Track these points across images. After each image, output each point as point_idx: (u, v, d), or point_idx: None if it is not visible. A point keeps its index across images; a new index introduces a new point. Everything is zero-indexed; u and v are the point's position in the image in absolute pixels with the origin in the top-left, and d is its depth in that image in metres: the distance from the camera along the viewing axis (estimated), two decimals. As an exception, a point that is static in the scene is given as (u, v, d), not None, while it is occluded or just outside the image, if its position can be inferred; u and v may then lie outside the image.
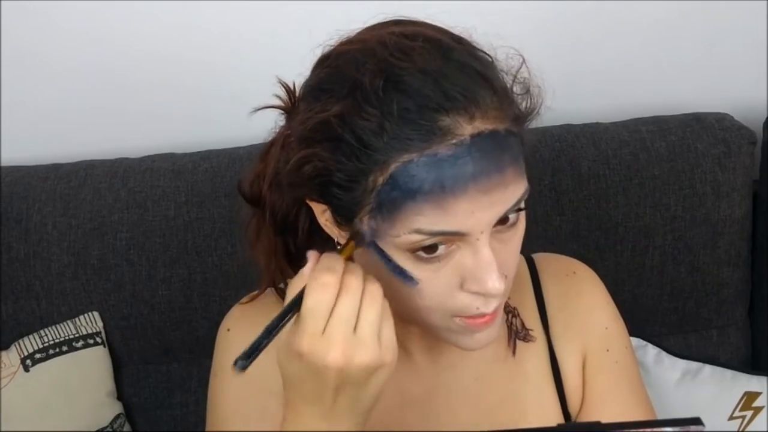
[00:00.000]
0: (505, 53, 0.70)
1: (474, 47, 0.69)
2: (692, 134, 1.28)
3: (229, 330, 0.84)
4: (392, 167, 0.63)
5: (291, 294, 0.65)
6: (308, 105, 0.68)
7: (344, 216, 0.68)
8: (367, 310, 0.63)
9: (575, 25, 1.38)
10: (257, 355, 0.62)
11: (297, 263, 0.78)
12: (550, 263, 0.88)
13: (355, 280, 0.63)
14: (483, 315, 0.69)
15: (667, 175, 1.26)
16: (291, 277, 0.78)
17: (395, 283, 0.68)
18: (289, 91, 0.73)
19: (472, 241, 0.65)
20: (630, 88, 1.42)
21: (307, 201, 0.71)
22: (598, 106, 1.39)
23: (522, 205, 0.68)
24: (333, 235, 0.72)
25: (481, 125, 0.64)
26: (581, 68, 1.39)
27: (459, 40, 0.68)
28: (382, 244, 0.66)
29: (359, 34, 0.70)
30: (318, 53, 0.71)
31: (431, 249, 0.65)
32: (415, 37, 0.66)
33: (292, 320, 0.65)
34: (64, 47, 1.35)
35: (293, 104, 0.73)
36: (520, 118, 0.68)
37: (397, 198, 0.64)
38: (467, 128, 0.63)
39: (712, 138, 1.28)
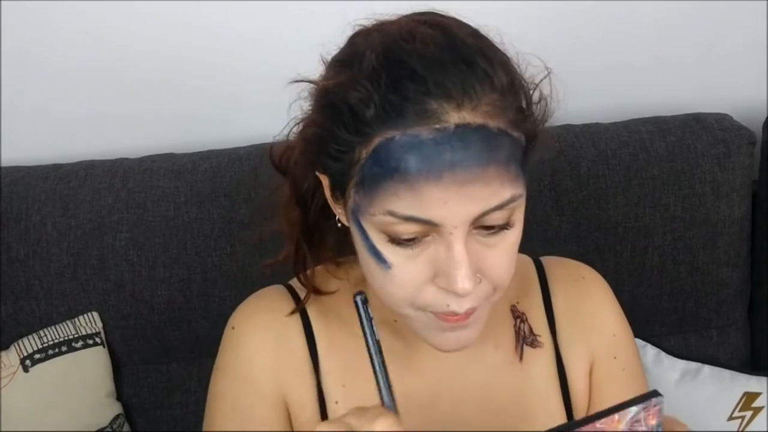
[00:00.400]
0: (529, 62, 0.70)
1: (490, 46, 0.68)
2: (692, 134, 1.28)
3: (233, 328, 0.84)
4: (375, 141, 0.64)
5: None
6: (323, 75, 0.71)
7: (339, 189, 0.70)
8: None
9: (575, 25, 1.38)
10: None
11: (309, 238, 0.80)
12: (559, 267, 0.87)
13: None
14: (454, 314, 0.68)
15: (667, 175, 1.26)
16: (305, 254, 0.79)
17: (369, 264, 0.69)
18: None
19: (446, 234, 0.65)
20: (630, 88, 1.42)
21: (318, 174, 0.73)
22: (598, 106, 1.39)
23: (514, 215, 0.67)
24: (335, 211, 0.73)
25: (469, 117, 0.64)
26: (581, 68, 1.39)
27: (477, 36, 0.68)
28: (363, 222, 0.67)
29: (387, 20, 0.71)
30: (348, 32, 0.72)
31: (408, 238, 0.66)
32: (431, 25, 0.67)
33: None
34: (64, 47, 1.35)
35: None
36: (522, 122, 0.67)
37: (376, 174, 0.64)
38: (453, 116, 0.63)
39: (712, 138, 1.28)
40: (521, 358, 0.83)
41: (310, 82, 0.73)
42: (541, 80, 0.70)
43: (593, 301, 0.86)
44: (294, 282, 0.85)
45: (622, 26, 1.39)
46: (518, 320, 0.83)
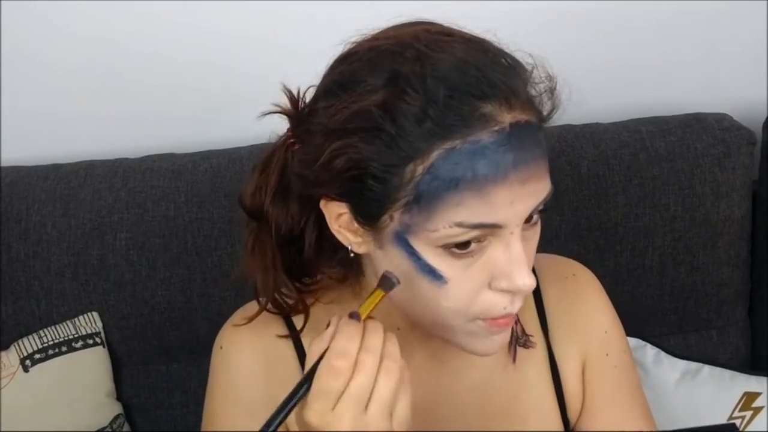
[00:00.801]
0: (519, 57, 0.70)
1: (501, 48, 0.69)
2: (692, 134, 1.28)
3: (221, 348, 0.83)
4: (434, 155, 0.63)
5: (310, 359, 0.65)
6: (335, 99, 0.66)
7: (369, 214, 0.67)
8: (382, 387, 0.63)
9: (575, 26, 1.38)
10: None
11: (299, 277, 0.78)
12: (549, 265, 0.87)
13: (370, 359, 0.63)
14: (507, 315, 0.69)
15: (667, 175, 1.26)
16: (292, 292, 0.77)
17: (420, 284, 0.67)
18: (293, 98, 0.73)
19: (506, 234, 0.65)
20: (630, 88, 1.42)
21: (322, 204, 0.69)
22: (598, 106, 1.39)
23: (544, 205, 0.68)
24: (346, 242, 0.70)
25: (519, 114, 0.64)
26: (581, 68, 1.39)
27: (486, 40, 0.69)
28: (413, 241, 0.66)
29: (384, 32, 0.70)
30: (339, 50, 0.70)
31: (465, 244, 0.65)
32: (448, 34, 0.67)
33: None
34: (64, 47, 1.36)
35: (298, 109, 0.72)
36: (543, 118, 0.69)
37: (438, 187, 0.63)
38: (507, 116, 0.64)
39: (712, 138, 1.28)
40: (514, 359, 0.83)
41: (283, 113, 0.72)
42: (531, 72, 0.69)
43: (584, 299, 0.86)
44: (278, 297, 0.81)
45: (622, 26, 1.39)
46: None
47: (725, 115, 1.33)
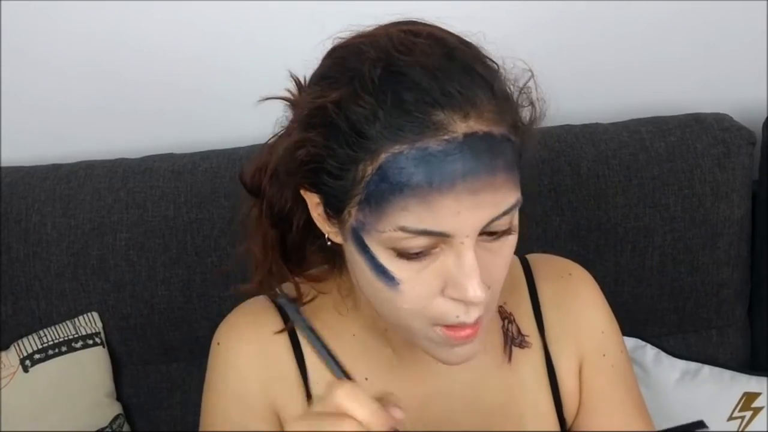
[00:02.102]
0: (513, 64, 0.70)
1: (480, 52, 0.68)
2: (692, 135, 1.28)
3: (219, 344, 0.83)
4: (382, 157, 0.63)
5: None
6: (311, 92, 0.68)
7: (334, 208, 0.68)
8: None
9: (575, 25, 1.38)
10: None
11: (290, 258, 0.78)
12: (545, 265, 0.87)
13: None
14: (463, 325, 0.68)
15: (667, 175, 1.26)
16: (285, 275, 0.78)
17: (376, 283, 0.68)
18: (299, 85, 0.74)
19: (456, 244, 0.64)
20: (630, 88, 1.42)
21: (302, 192, 0.71)
22: (598, 106, 1.39)
23: (514, 219, 0.67)
24: (323, 230, 0.71)
25: (475, 125, 0.63)
26: (581, 68, 1.39)
27: (466, 44, 0.68)
28: (367, 240, 0.66)
29: (371, 29, 0.70)
30: (327, 45, 0.71)
31: (416, 251, 0.65)
32: (421, 34, 0.67)
33: None
34: (64, 47, 1.36)
35: (300, 97, 0.73)
36: (519, 127, 0.68)
37: (384, 190, 0.63)
38: (461, 126, 0.63)
39: (712, 138, 1.28)
40: (510, 359, 0.83)
41: (284, 99, 0.73)
42: (525, 83, 0.70)
43: (580, 299, 0.86)
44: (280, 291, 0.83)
45: (622, 26, 1.39)
46: (506, 321, 0.83)
47: (725, 115, 1.33)
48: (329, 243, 0.72)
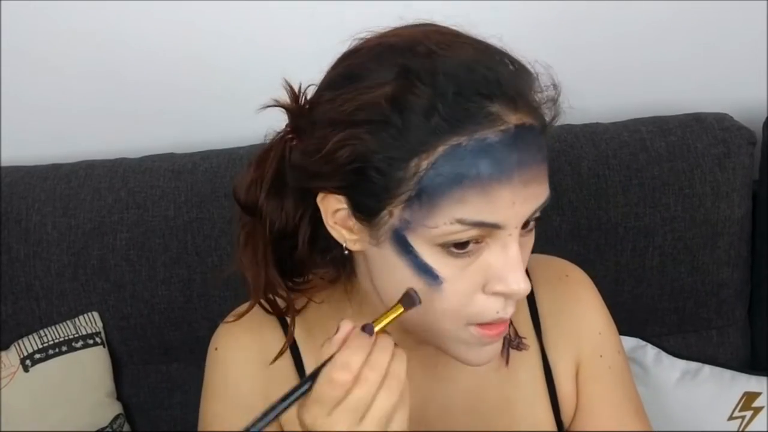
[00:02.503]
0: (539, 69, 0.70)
1: (508, 53, 0.69)
2: (692, 134, 1.28)
3: (216, 349, 0.83)
4: (439, 150, 0.63)
5: (319, 360, 0.64)
6: (342, 90, 0.67)
7: (367, 209, 0.66)
8: (380, 403, 0.62)
9: (575, 25, 1.38)
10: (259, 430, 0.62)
11: (291, 275, 0.77)
12: (542, 266, 0.86)
13: (373, 375, 0.62)
14: (500, 321, 0.68)
15: (667, 175, 1.26)
16: (282, 290, 0.77)
17: (414, 284, 0.67)
18: (294, 93, 0.72)
19: (504, 236, 0.65)
20: (630, 88, 1.42)
21: (319, 198, 0.69)
22: (598, 106, 1.39)
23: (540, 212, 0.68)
24: (340, 239, 0.70)
25: (524, 117, 0.65)
26: (581, 68, 1.39)
27: (493, 45, 0.69)
28: (411, 238, 0.65)
29: (393, 30, 0.70)
30: (345, 46, 0.70)
31: (463, 244, 0.65)
32: (454, 35, 0.67)
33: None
34: (64, 47, 1.36)
35: (299, 105, 0.72)
36: (545, 124, 0.69)
37: (442, 183, 0.63)
38: (512, 117, 0.64)
39: (712, 138, 1.28)
40: (507, 361, 0.82)
41: (283, 106, 0.72)
42: (556, 86, 0.70)
43: (578, 300, 0.85)
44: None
45: (622, 26, 1.39)
46: None
47: (725, 115, 1.33)
48: (346, 252, 0.71)
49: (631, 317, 1.28)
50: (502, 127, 0.63)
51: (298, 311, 0.79)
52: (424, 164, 0.63)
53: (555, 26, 1.37)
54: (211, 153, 1.31)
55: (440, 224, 0.64)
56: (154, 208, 1.26)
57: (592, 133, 1.30)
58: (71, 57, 1.36)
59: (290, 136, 0.72)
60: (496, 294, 0.67)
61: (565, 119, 1.41)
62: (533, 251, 0.88)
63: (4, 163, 1.36)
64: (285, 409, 0.63)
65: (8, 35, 1.34)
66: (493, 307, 0.68)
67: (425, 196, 0.64)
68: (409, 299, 0.67)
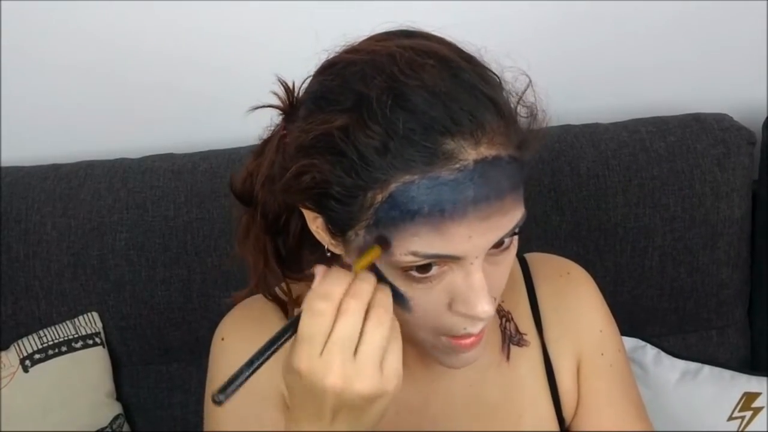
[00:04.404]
0: (512, 75, 0.69)
1: (483, 67, 0.68)
2: (692, 135, 1.28)
3: (223, 339, 0.83)
4: (392, 186, 0.62)
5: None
6: (310, 113, 0.67)
7: (338, 228, 0.67)
8: (371, 334, 0.62)
9: (575, 26, 1.38)
10: (236, 388, 0.61)
11: (287, 264, 0.78)
12: (544, 264, 0.87)
13: (354, 304, 0.62)
14: (469, 335, 0.69)
15: (667, 175, 1.26)
16: (280, 279, 0.78)
17: None
18: (288, 91, 0.73)
19: (466, 264, 0.65)
20: (630, 88, 1.42)
21: (300, 207, 0.70)
22: (598, 107, 1.39)
23: (516, 230, 0.68)
24: (323, 242, 0.71)
25: (485, 151, 0.63)
26: (581, 68, 1.39)
27: (469, 60, 0.67)
28: (376, 261, 0.66)
29: (367, 43, 0.69)
30: (323, 58, 0.70)
31: (424, 269, 0.65)
32: (426, 54, 0.65)
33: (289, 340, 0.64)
34: (64, 47, 1.36)
35: (292, 104, 0.72)
36: (524, 142, 0.67)
37: (395, 217, 0.63)
38: (471, 153, 0.62)
39: (712, 138, 1.28)
40: (508, 357, 0.83)
41: (274, 106, 0.72)
42: (524, 91, 0.69)
43: (579, 298, 0.86)
44: (278, 291, 0.83)
45: (622, 27, 1.39)
46: (504, 319, 0.84)
47: (725, 115, 1.33)
48: (329, 254, 0.71)
49: (631, 317, 1.28)
50: (457, 165, 0.62)
51: (297, 301, 0.79)
52: (379, 197, 0.63)
53: (555, 27, 1.37)
54: (211, 153, 1.31)
55: (396, 254, 0.64)
56: (153, 208, 1.26)
57: (592, 133, 1.30)
58: (71, 57, 1.36)
59: (284, 132, 0.72)
60: (462, 314, 0.67)
61: (565, 119, 1.42)
62: (533, 250, 0.89)
63: (4, 163, 1.36)
64: (269, 355, 0.62)
65: (8, 35, 1.34)
66: (460, 324, 0.68)
67: (382, 227, 0.64)
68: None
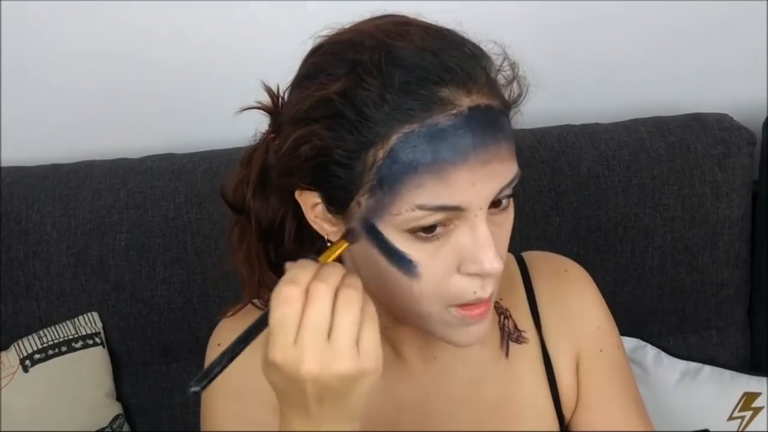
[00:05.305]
0: (487, 48, 0.71)
1: (463, 36, 0.70)
2: (692, 135, 1.28)
3: (219, 345, 0.83)
4: (393, 139, 0.64)
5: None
6: (303, 89, 0.69)
7: (339, 202, 0.68)
8: (342, 316, 0.61)
9: (575, 26, 1.38)
10: (212, 379, 0.61)
11: (281, 272, 0.78)
12: (542, 262, 0.87)
13: (322, 287, 0.61)
14: (479, 301, 0.69)
15: (667, 175, 1.26)
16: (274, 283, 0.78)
17: (391, 272, 0.68)
18: (272, 94, 0.74)
19: (470, 217, 0.66)
20: (630, 88, 1.42)
21: (297, 194, 0.71)
22: (598, 107, 1.39)
23: (512, 189, 0.68)
24: (322, 232, 0.71)
25: (477, 99, 0.65)
26: (581, 68, 1.39)
27: (450, 30, 0.70)
28: (380, 226, 0.66)
29: (353, 25, 0.71)
30: (309, 45, 0.72)
31: (430, 228, 0.66)
32: (410, 23, 0.68)
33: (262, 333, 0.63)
34: (64, 48, 1.36)
35: (277, 106, 0.74)
36: (508, 104, 0.70)
37: (398, 171, 0.64)
38: (465, 100, 0.65)
39: (712, 138, 1.28)
40: (507, 354, 0.83)
41: (262, 108, 0.74)
42: (501, 64, 0.71)
43: (576, 295, 0.86)
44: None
45: (621, 26, 1.39)
46: (502, 317, 0.84)
47: (725, 115, 1.33)
48: (329, 244, 0.71)
49: (631, 317, 1.28)
50: (454, 111, 0.64)
51: None
52: (381, 154, 0.64)
53: (555, 27, 1.37)
54: (211, 153, 1.31)
55: (402, 211, 0.65)
56: (153, 209, 1.26)
57: (592, 133, 1.30)
58: (71, 57, 1.36)
59: (272, 135, 0.74)
60: (471, 275, 0.67)
61: (565, 119, 1.42)
62: (533, 250, 0.89)
63: (4, 163, 1.36)
64: (241, 347, 0.62)
65: (8, 35, 1.34)
66: (470, 288, 0.68)
67: (385, 185, 0.65)
68: (351, 234, 0.67)
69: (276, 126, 0.73)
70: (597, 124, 1.33)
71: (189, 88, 1.38)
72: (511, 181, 0.67)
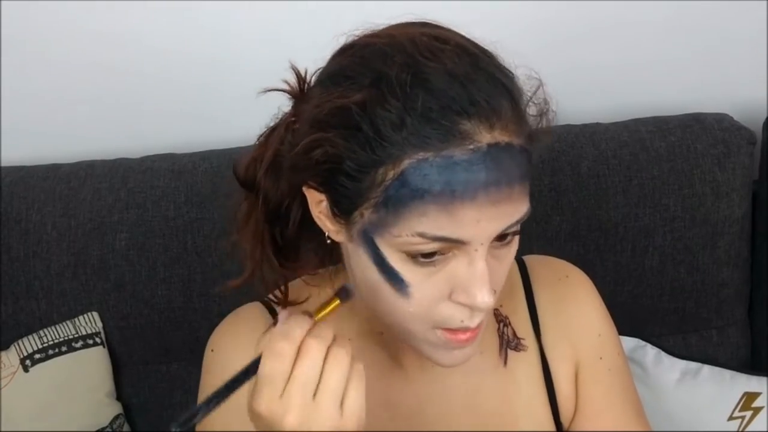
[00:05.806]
0: (523, 74, 0.69)
1: (499, 61, 0.68)
2: (692, 134, 1.28)
3: (212, 351, 0.83)
4: (405, 163, 0.63)
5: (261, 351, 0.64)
6: (325, 90, 0.67)
7: (343, 208, 0.67)
8: (330, 375, 0.62)
9: (575, 25, 1.38)
10: (193, 424, 0.61)
11: (283, 254, 0.77)
12: (543, 267, 0.86)
13: (315, 344, 0.62)
14: (466, 329, 0.68)
15: (667, 175, 1.26)
16: (276, 269, 0.77)
17: (382, 286, 0.67)
18: (300, 77, 0.73)
19: (470, 251, 0.65)
20: (630, 88, 1.42)
21: (305, 189, 0.70)
22: (598, 106, 1.39)
23: (519, 226, 0.67)
24: (324, 229, 0.71)
25: (499, 136, 0.63)
26: (581, 68, 1.39)
27: (485, 51, 0.68)
28: (379, 242, 0.66)
29: (387, 29, 0.70)
30: (341, 41, 0.70)
31: (429, 254, 0.65)
32: (446, 41, 0.66)
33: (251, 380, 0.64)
34: (64, 47, 1.36)
35: (302, 90, 0.72)
36: (532, 137, 0.68)
37: (405, 195, 0.63)
38: (486, 136, 0.63)
39: (712, 138, 1.28)
40: (505, 362, 0.82)
41: (284, 91, 0.72)
42: (535, 92, 0.70)
43: (577, 302, 0.85)
44: (271, 297, 0.82)
45: (622, 26, 1.39)
46: (501, 324, 0.83)
47: (725, 115, 1.33)
48: (329, 241, 0.71)
49: (631, 317, 1.28)
50: (471, 146, 0.62)
51: (292, 303, 0.78)
52: (391, 174, 0.63)
53: (555, 26, 1.37)
54: (211, 153, 1.31)
55: (403, 234, 0.64)
56: (154, 208, 1.26)
57: (592, 133, 1.30)
58: (71, 57, 1.36)
59: (293, 119, 0.72)
60: (461, 304, 0.67)
61: (565, 119, 1.42)
62: (533, 251, 0.89)
63: (4, 163, 1.36)
64: (227, 394, 0.62)
65: (8, 35, 1.34)
66: (458, 316, 0.67)
67: (390, 206, 0.64)
68: (344, 292, 0.67)
69: (297, 111, 0.72)
70: (597, 123, 1.33)
71: (189, 88, 1.38)
72: (519, 220, 0.66)
